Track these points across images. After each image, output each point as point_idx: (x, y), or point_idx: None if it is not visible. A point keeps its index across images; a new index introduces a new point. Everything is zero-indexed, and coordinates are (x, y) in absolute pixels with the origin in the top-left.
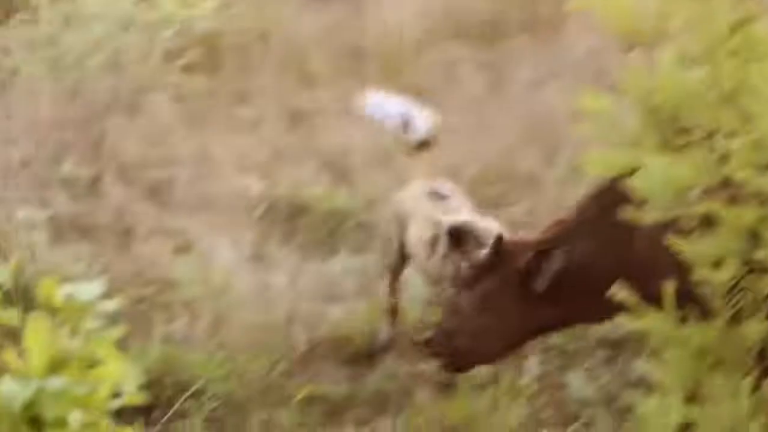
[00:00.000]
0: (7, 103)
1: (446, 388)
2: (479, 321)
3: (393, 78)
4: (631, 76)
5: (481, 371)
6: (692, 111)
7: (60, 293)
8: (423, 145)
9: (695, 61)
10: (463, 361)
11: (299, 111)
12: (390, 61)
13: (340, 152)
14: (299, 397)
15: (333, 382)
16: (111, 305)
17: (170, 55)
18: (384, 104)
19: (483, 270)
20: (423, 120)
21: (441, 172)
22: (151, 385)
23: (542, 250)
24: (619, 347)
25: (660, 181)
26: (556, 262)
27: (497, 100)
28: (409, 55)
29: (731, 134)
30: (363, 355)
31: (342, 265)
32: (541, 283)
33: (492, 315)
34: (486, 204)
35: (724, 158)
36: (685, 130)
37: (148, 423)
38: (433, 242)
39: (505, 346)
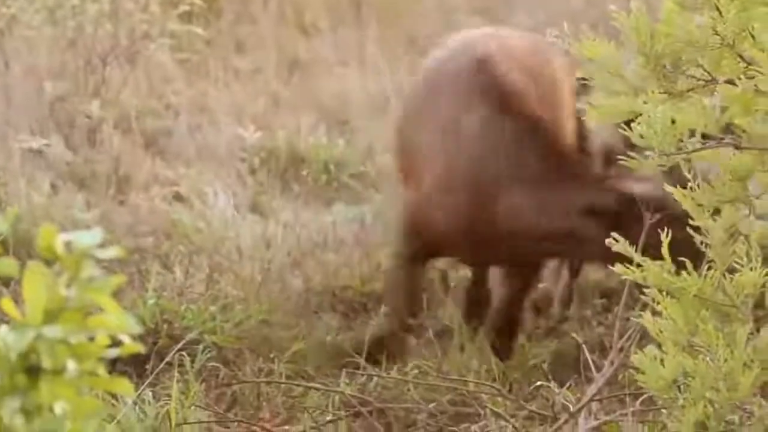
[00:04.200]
0: (5, 52)
1: (441, 338)
2: None
3: (391, 25)
4: (632, 22)
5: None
6: (693, 57)
7: (59, 241)
8: None
9: (696, 6)
10: None
11: (297, 60)
12: (388, 10)
13: (338, 102)
14: (294, 348)
15: (329, 333)
16: (109, 253)
17: (169, 4)
18: None
19: None
20: None
21: None
22: (145, 335)
23: None
24: (613, 296)
25: (661, 129)
26: None
27: None
28: (406, 3)
29: (731, 81)
30: (359, 305)
31: (339, 215)
32: None
33: None
34: None
35: (724, 105)
36: (686, 77)
37: (141, 373)
38: None
39: None
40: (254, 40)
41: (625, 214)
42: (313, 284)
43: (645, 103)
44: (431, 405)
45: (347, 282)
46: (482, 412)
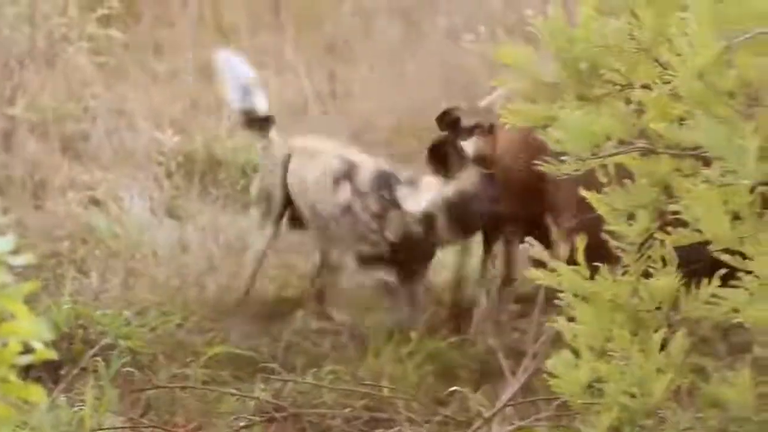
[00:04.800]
0: None
1: (355, 344)
2: None
3: (310, 30)
4: (550, 26)
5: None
6: (610, 62)
7: None
8: (260, 123)
9: (614, 11)
10: None
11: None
12: (306, 14)
13: None
14: (209, 353)
15: (244, 338)
16: (22, 260)
17: (87, 7)
18: (235, 67)
19: None
20: (262, 98)
21: (356, 124)
22: (60, 341)
23: None
24: (530, 302)
25: (577, 133)
26: None
27: (413, 51)
28: (325, 7)
29: (648, 86)
30: (274, 311)
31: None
32: None
33: None
34: (400, 157)
35: (640, 110)
36: (602, 82)
37: (56, 379)
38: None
39: None
40: (173, 44)
41: None
42: (229, 289)
43: (562, 107)
44: (346, 410)
45: (263, 287)
46: (397, 418)
